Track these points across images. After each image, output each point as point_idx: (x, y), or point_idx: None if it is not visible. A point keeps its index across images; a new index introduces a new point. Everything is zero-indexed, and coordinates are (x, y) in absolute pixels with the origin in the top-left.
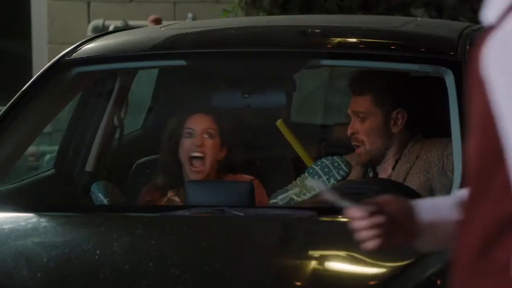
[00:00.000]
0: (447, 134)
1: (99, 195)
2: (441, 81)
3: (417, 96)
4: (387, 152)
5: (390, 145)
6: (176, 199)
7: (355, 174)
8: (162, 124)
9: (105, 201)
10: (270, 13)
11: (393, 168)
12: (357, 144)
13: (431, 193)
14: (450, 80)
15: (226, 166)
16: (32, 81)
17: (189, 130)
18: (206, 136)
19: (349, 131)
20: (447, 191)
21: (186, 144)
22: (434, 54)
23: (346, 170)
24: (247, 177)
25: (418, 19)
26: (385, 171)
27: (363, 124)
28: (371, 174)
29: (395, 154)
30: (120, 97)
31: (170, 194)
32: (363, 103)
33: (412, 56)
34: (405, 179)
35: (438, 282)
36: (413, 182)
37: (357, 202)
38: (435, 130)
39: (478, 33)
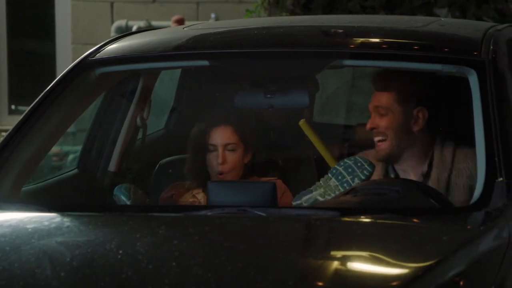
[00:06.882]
0: (469, 135)
1: (122, 198)
2: (464, 82)
3: (440, 97)
4: (406, 150)
5: (410, 144)
6: (200, 195)
7: (376, 174)
8: (185, 124)
9: (128, 204)
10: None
11: (427, 175)
12: (379, 138)
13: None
14: (473, 80)
15: (252, 168)
16: (56, 81)
17: (211, 146)
18: (228, 151)
19: (368, 126)
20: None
21: (211, 158)
22: (457, 54)
23: (370, 169)
24: (272, 179)
25: (442, 19)
26: (414, 175)
27: (382, 119)
28: (392, 176)
29: (415, 154)
30: (143, 97)
31: (195, 191)
32: (385, 99)
33: (435, 56)
34: (448, 189)
35: (461, 283)
36: (459, 192)
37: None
38: (457, 131)
39: (502, 33)
